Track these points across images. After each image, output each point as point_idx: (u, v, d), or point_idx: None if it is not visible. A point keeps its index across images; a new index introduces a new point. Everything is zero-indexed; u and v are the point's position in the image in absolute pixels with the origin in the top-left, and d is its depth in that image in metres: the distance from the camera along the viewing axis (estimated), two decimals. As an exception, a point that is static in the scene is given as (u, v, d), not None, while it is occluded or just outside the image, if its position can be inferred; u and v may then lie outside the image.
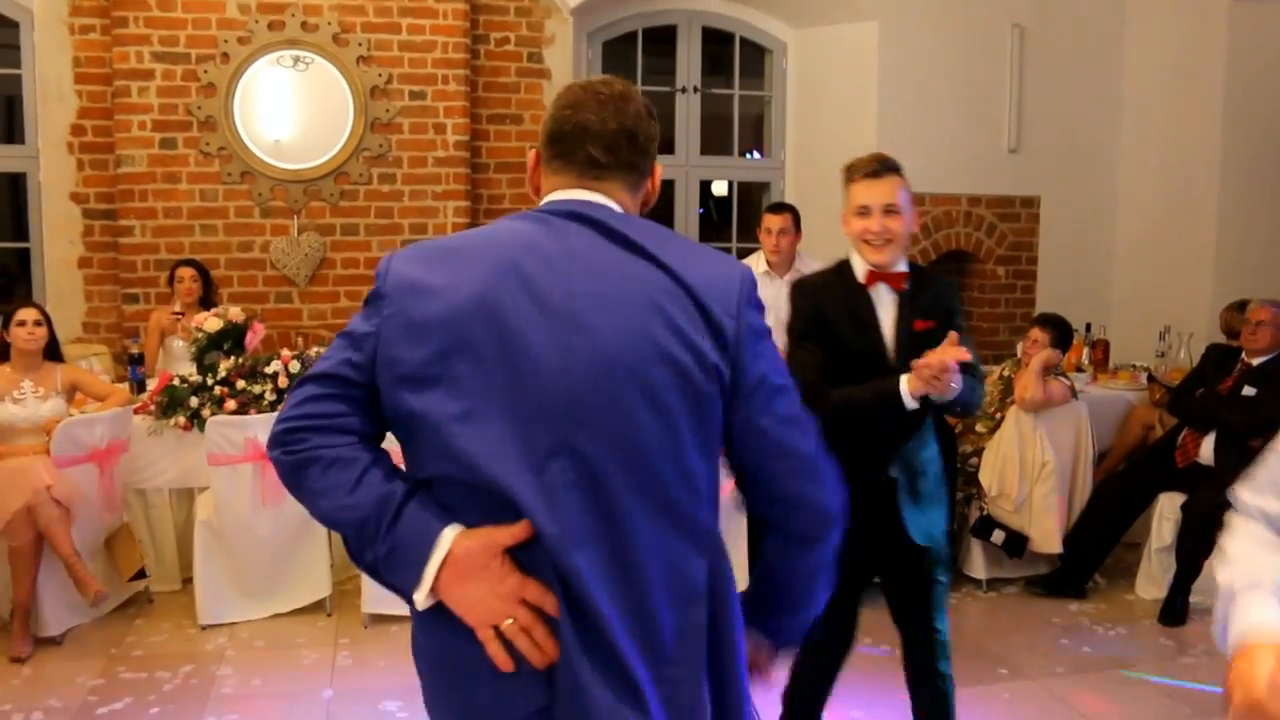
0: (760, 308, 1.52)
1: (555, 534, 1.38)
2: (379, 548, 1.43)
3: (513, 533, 1.39)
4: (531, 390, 1.40)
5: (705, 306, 1.45)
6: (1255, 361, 4.94)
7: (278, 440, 1.47)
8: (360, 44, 6.04)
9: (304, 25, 5.97)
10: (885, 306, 2.82)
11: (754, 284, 1.53)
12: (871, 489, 2.76)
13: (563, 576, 1.38)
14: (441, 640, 1.46)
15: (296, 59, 6.01)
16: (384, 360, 1.45)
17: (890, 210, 2.74)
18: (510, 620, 1.39)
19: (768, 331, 1.53)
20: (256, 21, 5.92)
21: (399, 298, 1.46)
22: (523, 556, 1.41)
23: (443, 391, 1.42)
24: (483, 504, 1.41)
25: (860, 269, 2.82)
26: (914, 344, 2.74)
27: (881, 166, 2.77)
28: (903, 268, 2.83)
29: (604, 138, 1.57)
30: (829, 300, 2.81)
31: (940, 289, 2.88)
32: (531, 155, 1.66)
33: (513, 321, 1.42)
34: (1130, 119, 7.15)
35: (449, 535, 1.40)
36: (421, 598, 1.42)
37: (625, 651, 1.39)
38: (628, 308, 1.43)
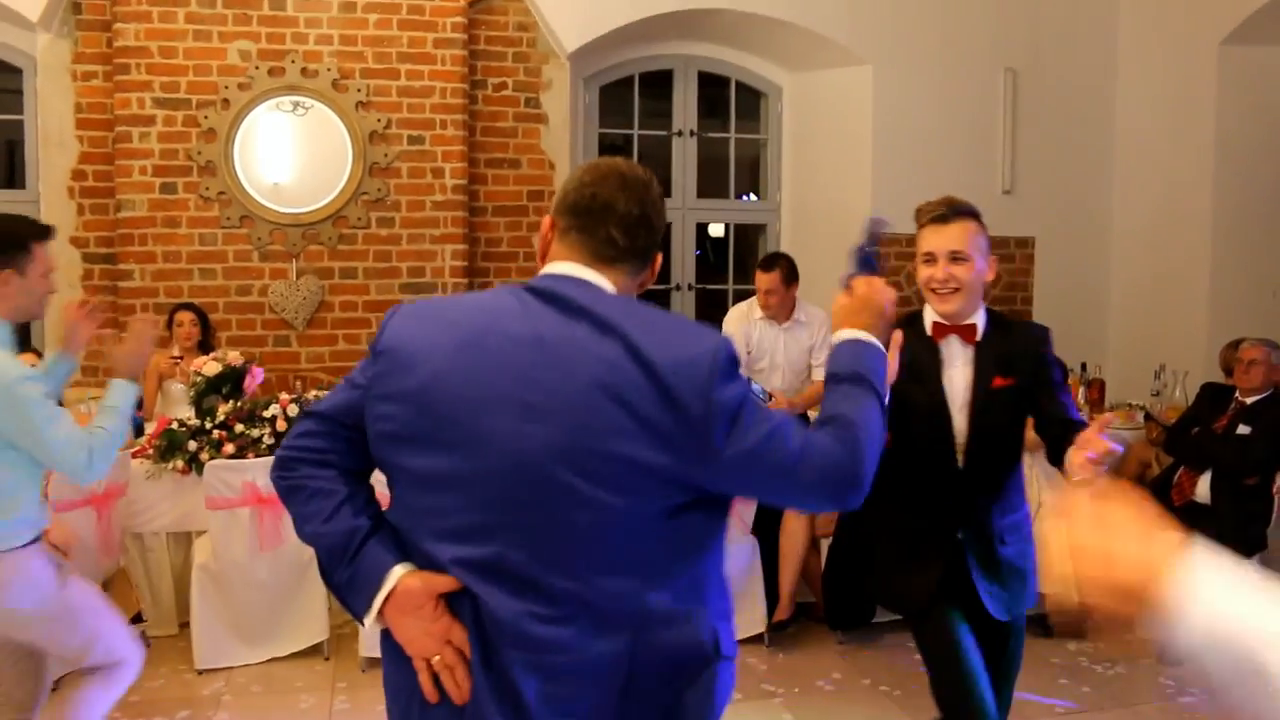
0: (735, 377, 1.54)
1: (476, 596, 1.53)
2: (342, 573, 1.62)
3: (448, 583, 1.54)
4: (479, 471, 1.52)
5: (670, 389, 1.48)
6: (1249, 400, 4.97)
7: (277, 464, 1.68)
8: (359, 89, 6.11)
9: (304, 71, 6.04)
10: (957, 361, 2.63)
11: (728, 357, 1.52)
12: (939, 545, 2.64)
13: (480, 629, 1.54)
14: (394, 667, 1.64)
15: (296, 104, 6.07)
16: (369, 414, 1.62)
17: (957, 257, 2.56)
18: (437, 657, 1.55)
19: (743, 399, 1.52)
20: (257, 68, 6.00)
21: (388, 359, 1.61)
22: (454, 602, 1.56)
23: (408, 453, 1.58)
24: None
25: (928, 320, 2.66)
26: (990, 402, 2.58)
27: (950, 211, 2.59)
28: (977, 319, 2.64)
29: (626, 220, 1.63)
30: None
31: (1027, 341, 2.65)
32: (546, 221, 1.70)
33: (475, 404, 1.53)
34: (1122, 160, 7.23)
35: (397, 573, 1.57)
36: (369, 622, 1.60)
37: (531, 707, 1.52)
38: (582, 399, 1.49)
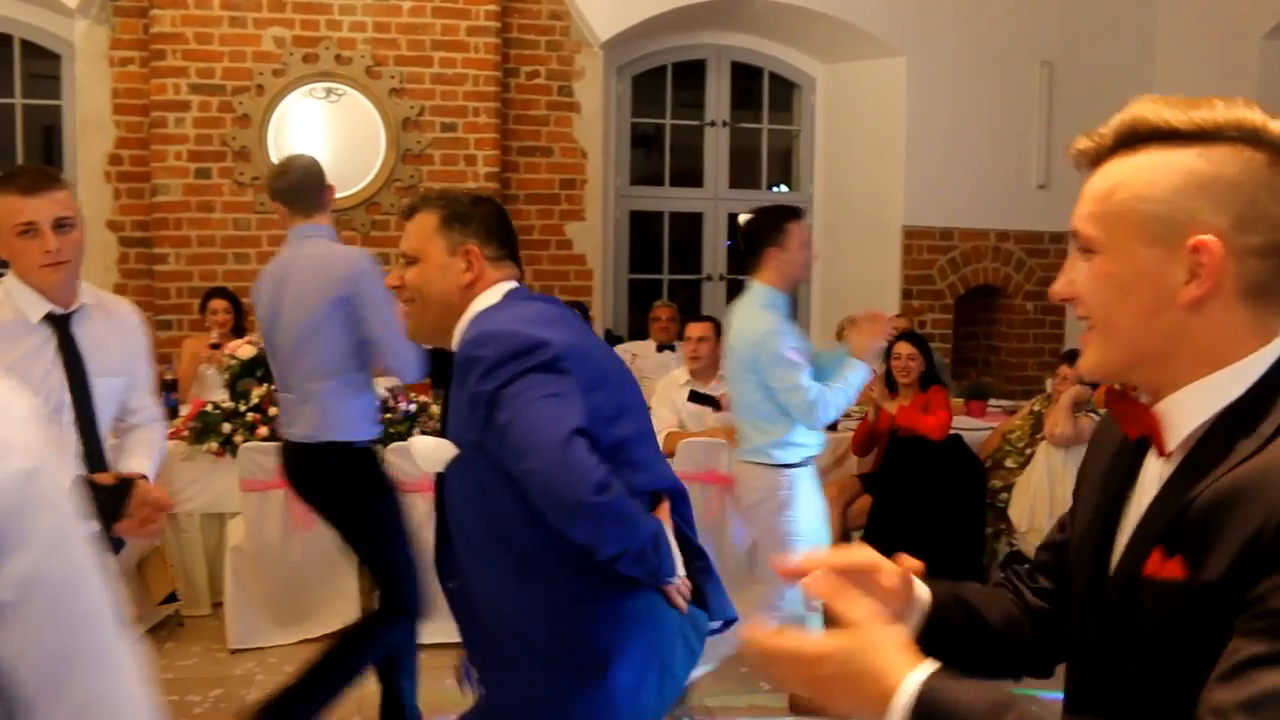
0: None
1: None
2: (652, 560, 1.87)
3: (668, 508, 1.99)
4: (645, 430, 2.05)
5: None
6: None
7: (601, 487, 1.77)
8: (393, 76, 6.12)
9: (338, 58, 6.06)
10: None
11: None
12: None
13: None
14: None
15: (329, 91, 6.09)
16: (587, 408, 1.86)
17: None
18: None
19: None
20: (291, 54, 6.02)
21: (572, 359, 1.87)
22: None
23: (618, 427, 1.92)
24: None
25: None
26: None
27: None
28: None
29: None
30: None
31: None
32: (474, 254, 2.08)
33: (625, 377, 2.05)
34: (1159, 154, 7.14)
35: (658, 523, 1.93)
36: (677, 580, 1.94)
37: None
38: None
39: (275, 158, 6.02)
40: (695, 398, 4.90)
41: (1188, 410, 1.06)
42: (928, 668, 0.98)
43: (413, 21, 6.16)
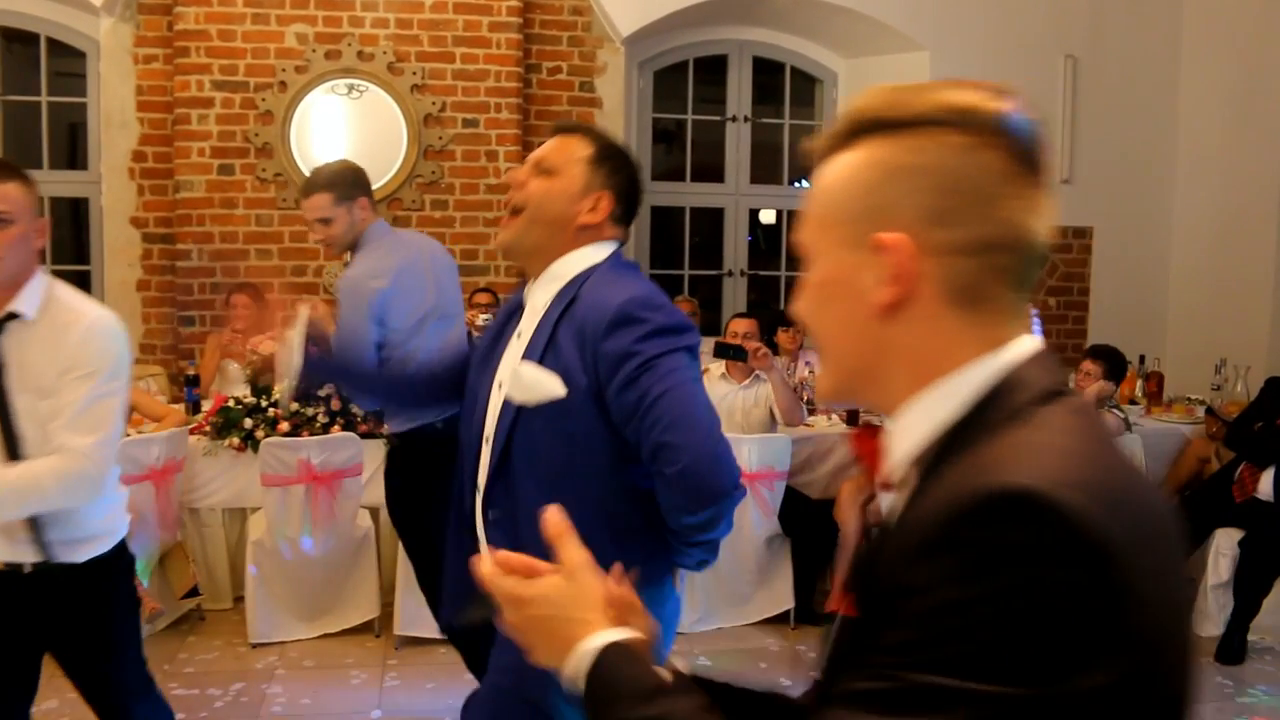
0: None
1: None
2: (717, 549, 2.01)
3: None
4: None
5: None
6: (1316, 396, 4.83)
7: (738, 482, 1.87)
8: (415, 73, 6.13)
9: (360, 55, 6.08)
10: None
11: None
12: None
13: None
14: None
15: (351, 87, 6.11)
16: None
17: None
18: None
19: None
20: (314, 51, 6.04)
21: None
22: None
23: None
24: None
25: None
26: None
27: None
28: None
29: None
30: None
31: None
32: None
33: None
34: (1185, 149, 7.08)
35: None
36: None
37: None
38: None
39: (298, 154, 6.05)
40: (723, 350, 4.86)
41: (905, 435, 0.93)
42: (618, 634, 0.99)
43: (434, 18, 6.16)
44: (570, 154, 2.01)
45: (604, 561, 1.84)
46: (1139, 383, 6.13)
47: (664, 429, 1.77)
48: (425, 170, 6.20)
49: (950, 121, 0.93)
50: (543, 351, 1.91)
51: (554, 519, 1.07)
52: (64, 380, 2.24)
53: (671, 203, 7.16)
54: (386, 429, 3.73)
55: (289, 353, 2.33)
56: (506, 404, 1.93)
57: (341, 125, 6.12)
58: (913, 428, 0.92)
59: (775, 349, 5.39)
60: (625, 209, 2.03)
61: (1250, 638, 4.61)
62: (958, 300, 0.92)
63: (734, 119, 7.11)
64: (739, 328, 5.01)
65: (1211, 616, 4.78)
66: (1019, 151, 0.94)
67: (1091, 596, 0.77)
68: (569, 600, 1.02)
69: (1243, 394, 5.71)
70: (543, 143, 2.10)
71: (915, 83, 0.98)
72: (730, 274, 7.17)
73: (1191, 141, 7.04)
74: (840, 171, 0.96)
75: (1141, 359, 6.34)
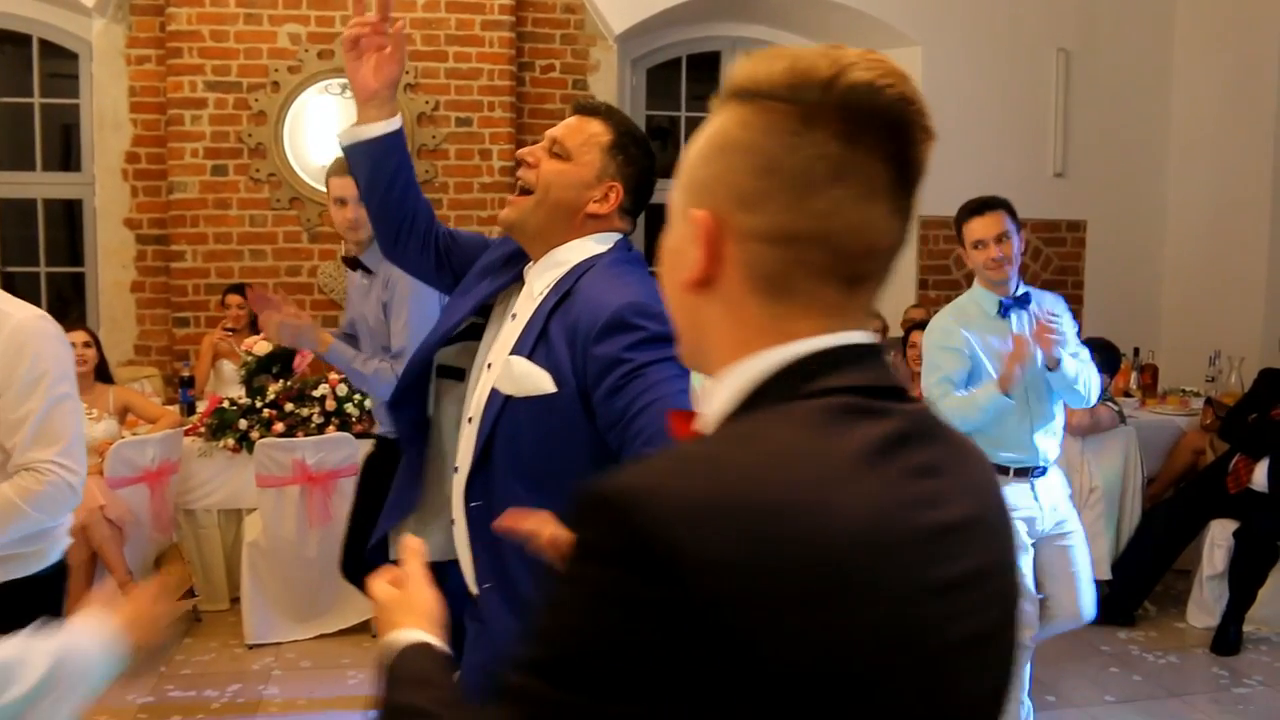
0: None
1: None
2: None
3: None
4: None
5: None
6: (1309, 387, 4.85)
7: None
8: (408, 72, 6.12)
9: (353, 54, 6.06)
10: None
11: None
12: None
13: None
14: None
15: (345, 87, 6.10)
16: None
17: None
18: None
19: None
20: (306, 50, 6.03)
21: None
22: None
23: None
24: None
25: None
26: None
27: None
28: None
29: None
30: None
31: None
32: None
33: None
34: (1178, 142, 7.09)
35: None
36: None
37: None
38: None
39: (291, 154, 6.05)
40: None
41: (709, 415, 0.91)
42: (425, 636, 1.10)
43: (427, 16, 6.16)
44: (587, 137, 1.94)
45: None
46: (1133, 375, 6.14)
47: (646, 440, 1.71)
48: (419, 169, 6.20)
49: (782, 96, 0.87)
50: (534, 344, 1.88)
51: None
52: (11, 393, 2.07)
53: (664, 200, 7.14)
54: (377, 429, 3.73)
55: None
56: (495, 391, 1.90)
57: (335, 125, 6.11)
58: (707, 411, 0.92)
59: None
60: (635, 201, 1.98)
61: (1246, 629, 4.62)
62: (759, 287, 0.88)
63: (727, 115, 7.11)
64: None
65: (1207, 608, 4.80)
66: (858, 130, 0.86)
67: (651, 613, 0.72)
68: (396, 605, 1.16)
69: (1237, 385, 5.72)
70: (536, 141, 2.04)
71: (794, 48, 0.90)
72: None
73: (1184, 134, 7.05)
74: (695, 140, 0.94)
75: (1136, 351, 6.35)
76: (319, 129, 6.08)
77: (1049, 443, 3.44)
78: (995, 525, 0.92)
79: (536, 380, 1.85)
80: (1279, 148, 6.54)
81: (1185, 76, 7.04)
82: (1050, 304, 3.50)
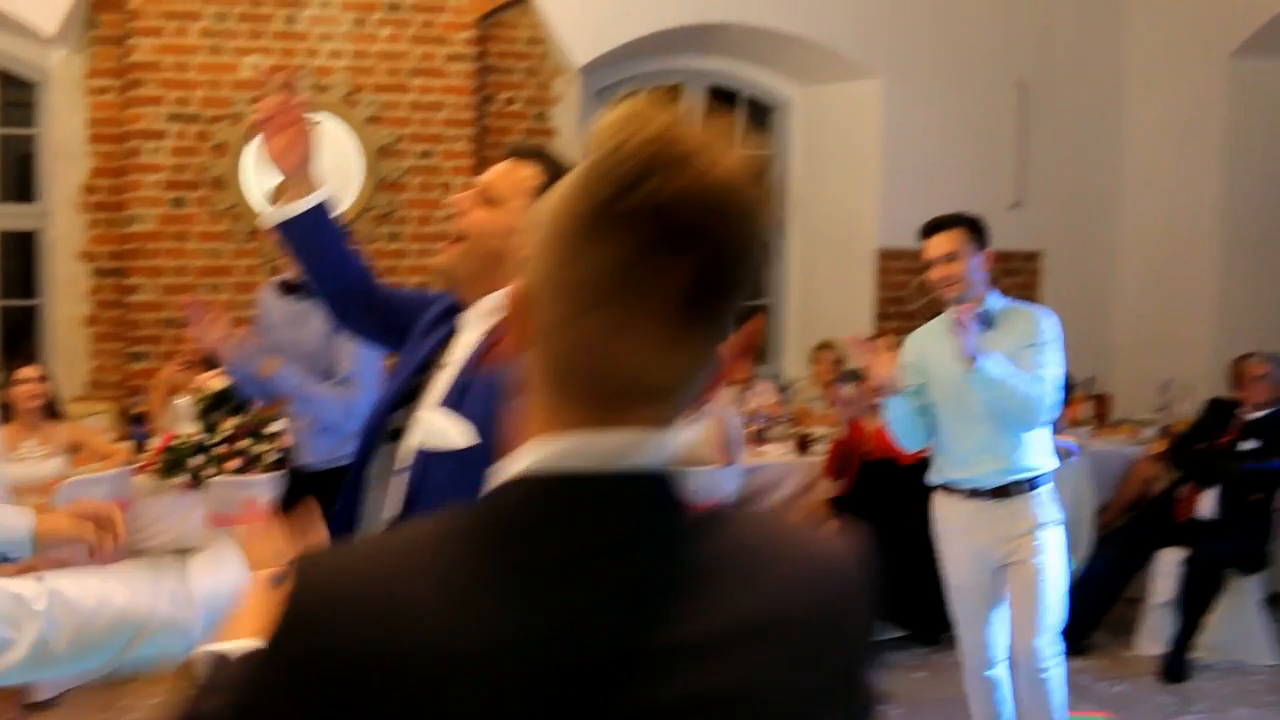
0: None
1: None
2: None
3: None
4: None
5: None
6: (1254, 416, 4.95)
7: None
8: (370, 104, 6.16)
9: (315, 86, 6.09)
10: None
11: None
12: None
13: None
14: None
15: (307, 119, 6.11)
16: None
17: None
18: None
19: None
20: (269, 82, 6.04)
21: None
22: None
23: None
24: None
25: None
26: None
27: None
28: None
29: None
30: None
31: None
32: None
33: None
34: (1131, 174, 7.21)
35: None
36: None
37: None
38: None
39: (252, 187, 6.05)
40: None
41: None
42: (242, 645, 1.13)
43: (390, 49, 6.20)
44: (518, 182, 1.94)
45: None
46: (1087, 404, 6.22)
47: None
48: (380, 202, 6.22)
49: (579, 186, 0.81)
50: (460, 396, 1.86)
51: None
52: None
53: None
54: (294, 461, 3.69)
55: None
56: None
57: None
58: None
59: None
60: None
61: (1194, 656, 4.68)
62: (546, 372, 0.84)
63: (689, 147, 7.17)
64: None
65: (1155, 635, 4.86)
66: (640, 246, 0.77)
67: (284, 677, 0.80)
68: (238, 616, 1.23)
69: (1188, 414, 5.81)
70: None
71: (642, 110, 0.80)
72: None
73: (1136, 166, 7.17)
74: None
75: (1089, 381, 6.42)
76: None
77: (992, 464, 3.35)
78: (786, 640, 0.84)
79: (449, 435, 1.82)
80: (1228, 180, 6.68)
81: (1137, 110, 7.17)
82: (1031, 321, 3.47)
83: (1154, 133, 7.07)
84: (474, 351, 1.91)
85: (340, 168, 6.15)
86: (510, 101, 6.56)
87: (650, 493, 0.83)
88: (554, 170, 1.95)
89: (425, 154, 6.26)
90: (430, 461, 1.86)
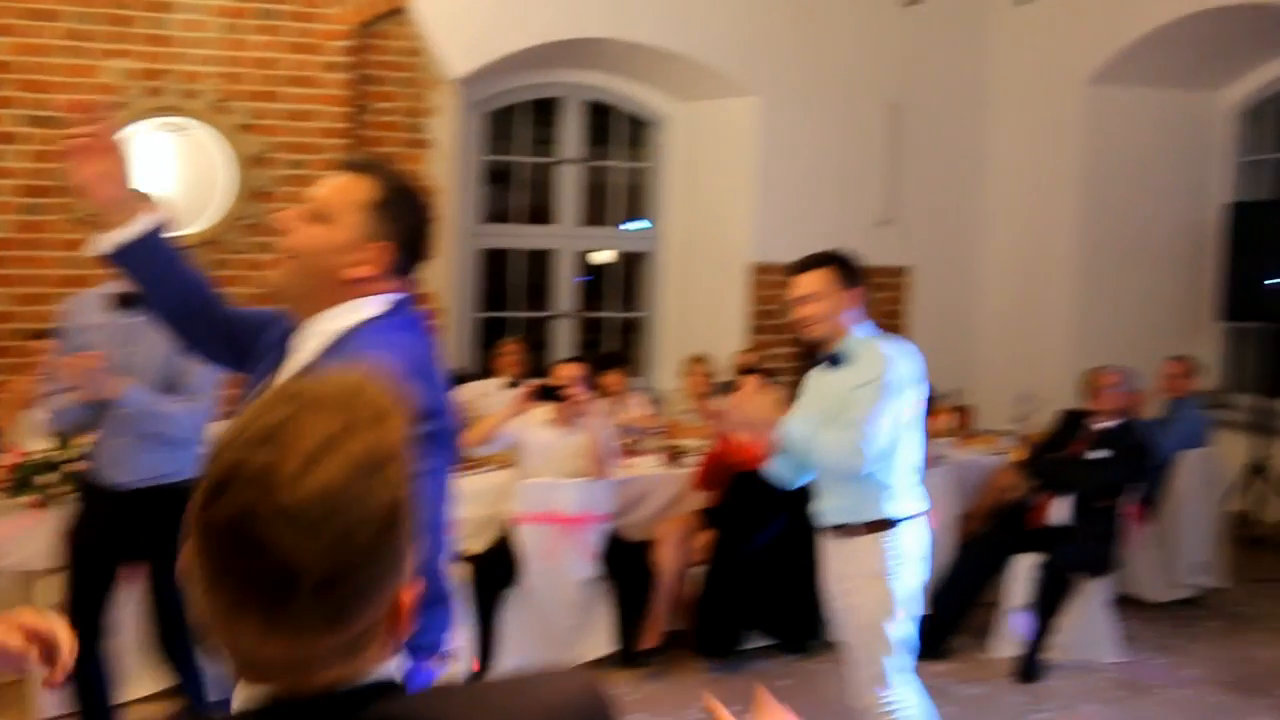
0: None
1: None
2: None
3: None
4: None
5: None
6: (1103, 426, 5.17)
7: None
8: (241, 112, 6.04)
9: (183, 92, 5.95)
10: None
11: None
12: None
13: None
14: None
15: (174, 126, 5.98)
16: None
17: None
18: None
19: None
20: (135, 87, 5.88)
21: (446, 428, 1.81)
22: None
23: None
24: None
25: None
26: None
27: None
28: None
29: None
30: None
31: None
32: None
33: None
34: (995, 194, 7.49)
35: None
36: None
37: None
38: None
39: (114, 194, 5.87)
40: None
41: None
42: None
43: (263, 56, 6.09)
44: (348, 198, 1.88)
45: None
46: (950, 415, 6.41)
47: None
48: (251, 212, 6.10)
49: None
50: None
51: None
52: None
53: (502, 244, 7.19)
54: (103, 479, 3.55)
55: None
56: None
57: (164, 165, 5.97)
58: None
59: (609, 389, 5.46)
60: (411, 258, 1.90)
61: (1046, 656, 4.87)
62: None
63: (567, 161, 7.21)
64: (565, 373, 5.04)
65: (1009, 638, 5.03)
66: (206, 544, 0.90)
67: None
68: None
69: (1046, 424, 6.03)
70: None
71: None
72: (560, 316, 7.24)
73: (1000, 186, 7.46)
74: None
75: (953, 393, 6.63)
76: (146, 168, 5.92)
77: (836, 500, 3.37)
78: None
79: None
80: (1084, 201, 7.00)
81: (1001, 132, 7.45)
82: (875, 361, 3.30)
83: (1016, 155, 7.36)
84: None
85: (209, 176, 6.03)
86: (386, 112, 6.50)
87: None
88: (388, 184, 1.91)
89: (298, 164, 6.16)
90: None
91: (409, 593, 0.91)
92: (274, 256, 1.98)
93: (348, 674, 0.89)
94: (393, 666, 0.94)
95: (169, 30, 5.94)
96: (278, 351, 1.96)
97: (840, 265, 3.40)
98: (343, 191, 1.90)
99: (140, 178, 5.81)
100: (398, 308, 1.91)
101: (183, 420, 3.30)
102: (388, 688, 0.92)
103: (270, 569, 0.83)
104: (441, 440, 1.77)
